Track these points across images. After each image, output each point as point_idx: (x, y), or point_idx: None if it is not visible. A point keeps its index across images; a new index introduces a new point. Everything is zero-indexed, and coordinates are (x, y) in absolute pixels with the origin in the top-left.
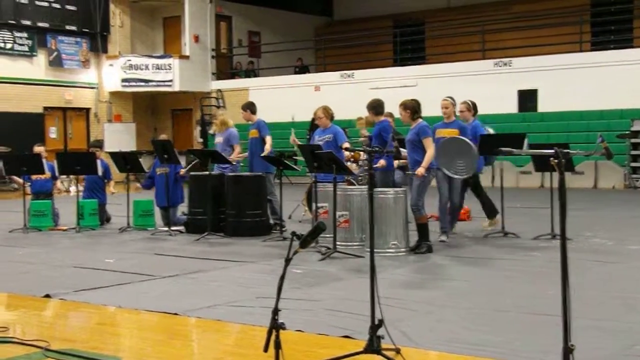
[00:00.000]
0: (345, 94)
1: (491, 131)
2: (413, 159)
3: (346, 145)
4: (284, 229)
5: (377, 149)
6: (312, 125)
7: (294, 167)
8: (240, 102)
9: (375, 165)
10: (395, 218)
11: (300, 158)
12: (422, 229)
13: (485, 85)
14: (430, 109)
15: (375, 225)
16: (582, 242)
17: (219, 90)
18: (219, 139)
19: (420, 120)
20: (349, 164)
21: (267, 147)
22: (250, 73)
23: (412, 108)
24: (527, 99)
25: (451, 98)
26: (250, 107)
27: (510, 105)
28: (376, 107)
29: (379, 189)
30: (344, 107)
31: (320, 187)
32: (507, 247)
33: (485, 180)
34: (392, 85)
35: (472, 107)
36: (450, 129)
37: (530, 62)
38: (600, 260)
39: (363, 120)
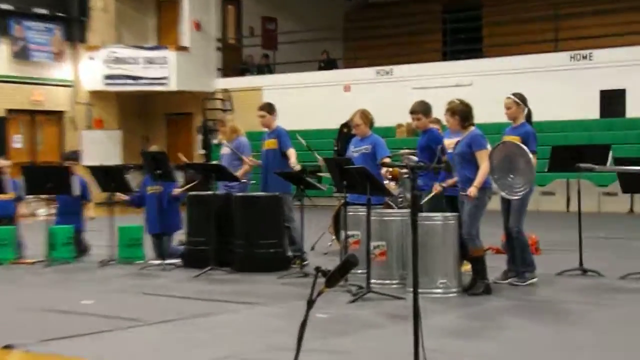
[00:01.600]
0: (382, 96)
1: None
2: (464, 176)
3: (386, 159)
4: (305, 262)
5: (422, 164)
6: (341, 134)
7: (318, 185)
8: (251, 104)
9: (431, 194)
10: (445, 250)
11: (326, 175)
12: (478, 264)
13: (559, 85)
14: (490, 113)
15: (420, 260)
16: None
17: (226, 90)
18: (225, 150)
19: (472, 127)
20: (386, 182)
21: (294, 162)
22: (264, 69)
23: (462, 113)
24: (612, 101)
25: (517, 96)
26: (272, 110)
27: (590, 110)
28: (427, 109)
29: (424, 214)
30: (381, 111)
31: (351, 211)
32: (586, 289)
33: (558, 204)
34: (441, 84)
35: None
36: (513, 135)
37: (616, 55)
38: None
39: (404, 128)
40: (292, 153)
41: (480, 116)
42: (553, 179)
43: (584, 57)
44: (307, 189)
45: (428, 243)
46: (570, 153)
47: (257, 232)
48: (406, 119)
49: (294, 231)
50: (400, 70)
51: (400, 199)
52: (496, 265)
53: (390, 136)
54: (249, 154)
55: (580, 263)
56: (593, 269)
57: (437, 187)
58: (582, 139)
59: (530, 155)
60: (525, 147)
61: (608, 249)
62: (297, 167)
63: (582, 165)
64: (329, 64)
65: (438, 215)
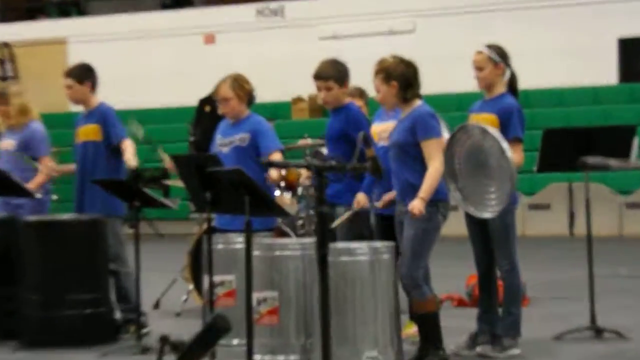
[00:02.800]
0: (268, 51)
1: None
2: (404, 182)
3: (276, 155)
4: (144, 330)
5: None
6: (201, 116)
7: (165, 202)
8: (49, 67)
9: (348, 213)
10: (375, 303)
11: (177, 183)
12: (428, 325)
13: (552, 31)
14: (446, 78)
15: (335, 320)
16: None
17: (6, 45)
18: (7, 143)
19: (418, 102)
20: (278, 194)
21: (130, 157)
22: (71, 9)
23: (403, 78)
24: (637, 56)
25: (494, 49)
26: (87, 77)
27: (603, 70)
28: (341, 73)
29: (340, 245)
30: (266, 77)
31: (220, 243)
32: (602, 358)
33: (556, 222)
34: (365, 31)
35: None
36: (486, 113)
37: None
38: None
39: (305, 104)
40: (128, 146)
41: (431, 83)
42: (547, 183)
43: None
44: (145, 207)
45: (348, 293)
46: (572, 140)
47: (63, 280)
48: (308, 88)
49: (125, 278)
50: (297, 8)
51: (301, 221)
52: (457, 326)
53: (283, 118)
54: (47, 151)
55: (592, 319)
56: (611, 328)
57: (360, 200)
58: (592, 116)
59: (506, 145)
60: (497, 133)
61: (634, 294)
62: (133, 164)
63: (591, 160)
64: (179, 1)
65: (362, 246)
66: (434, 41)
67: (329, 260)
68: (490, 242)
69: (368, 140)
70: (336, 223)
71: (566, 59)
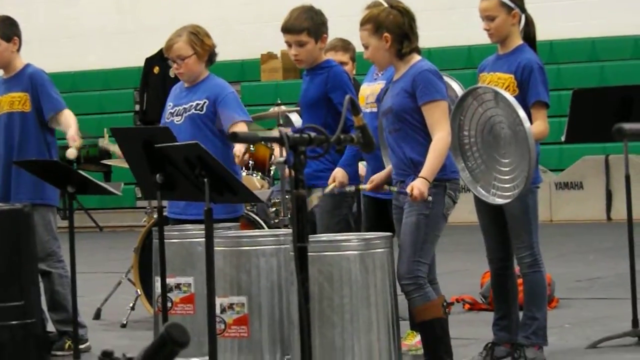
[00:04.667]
0: None
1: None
2: (402, 157)
3: (240, 126)
4: (82, 346)
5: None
6: (148, 79)
7: (106, 187)
8: None
9: (327, 188)
10: (368, 309)
11: (120, 163)
12: (433, 334)
13: None
14: (446, 27)
15: (319, 332)
16: None
17: None
18: None
19: (417, 58)
20: (245, 175)
21: (73, 137)
22: None
23: (397, 28)
24: None
25: None
26: (12, 33)
27: (624, 15)
28: (318, 23)
29: (322, 238)
30: (229, 29)
31: (174, 237)
32: None
33: (589, 205)
34: None
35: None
36: (498, 72)
37: None
38: None
39: (277, 62)
40: (69, 118)
41: (431, 35)
42: (578, 156)
43: None
44: (82, 194)
45: (334, 297)
46: (608, 103)
47: None
48: (281, 43)
49: (58, 281)
50: None
51: (274, 209)
52: (470, 334)
53: (250, 80)
54: None
55: (634, 322)
56: None
57: (338, 176)
58: (632, 73)
59: (522, 112)
60: (510, 96)
61: None
62: (74, 151)
63: (632, 126)
64: None
65: (351, 238)
66: None
67: (310, 256)
68: (507, 230)
69: (356, 106)
70: (314, 201)
71: (600, 3)
